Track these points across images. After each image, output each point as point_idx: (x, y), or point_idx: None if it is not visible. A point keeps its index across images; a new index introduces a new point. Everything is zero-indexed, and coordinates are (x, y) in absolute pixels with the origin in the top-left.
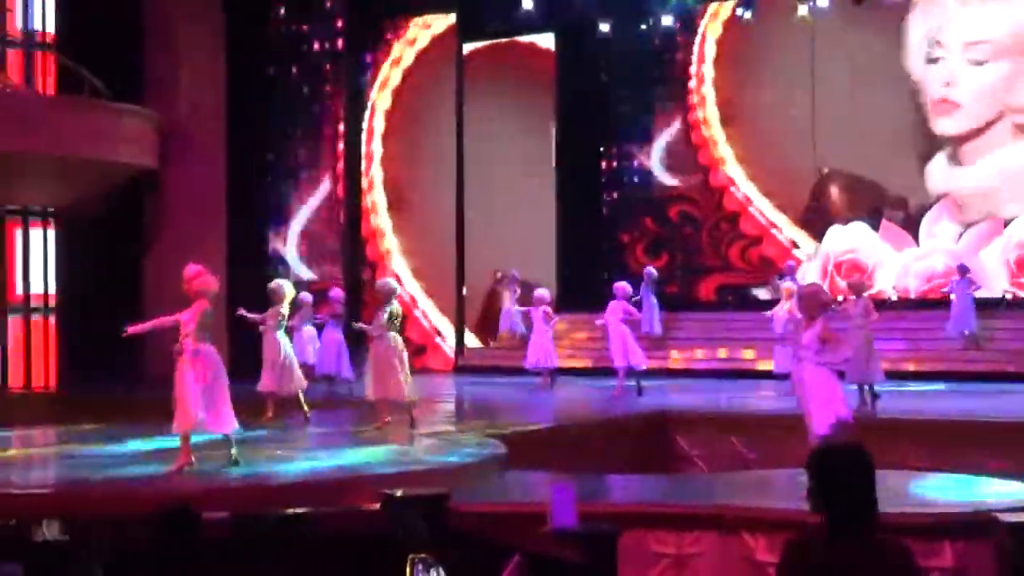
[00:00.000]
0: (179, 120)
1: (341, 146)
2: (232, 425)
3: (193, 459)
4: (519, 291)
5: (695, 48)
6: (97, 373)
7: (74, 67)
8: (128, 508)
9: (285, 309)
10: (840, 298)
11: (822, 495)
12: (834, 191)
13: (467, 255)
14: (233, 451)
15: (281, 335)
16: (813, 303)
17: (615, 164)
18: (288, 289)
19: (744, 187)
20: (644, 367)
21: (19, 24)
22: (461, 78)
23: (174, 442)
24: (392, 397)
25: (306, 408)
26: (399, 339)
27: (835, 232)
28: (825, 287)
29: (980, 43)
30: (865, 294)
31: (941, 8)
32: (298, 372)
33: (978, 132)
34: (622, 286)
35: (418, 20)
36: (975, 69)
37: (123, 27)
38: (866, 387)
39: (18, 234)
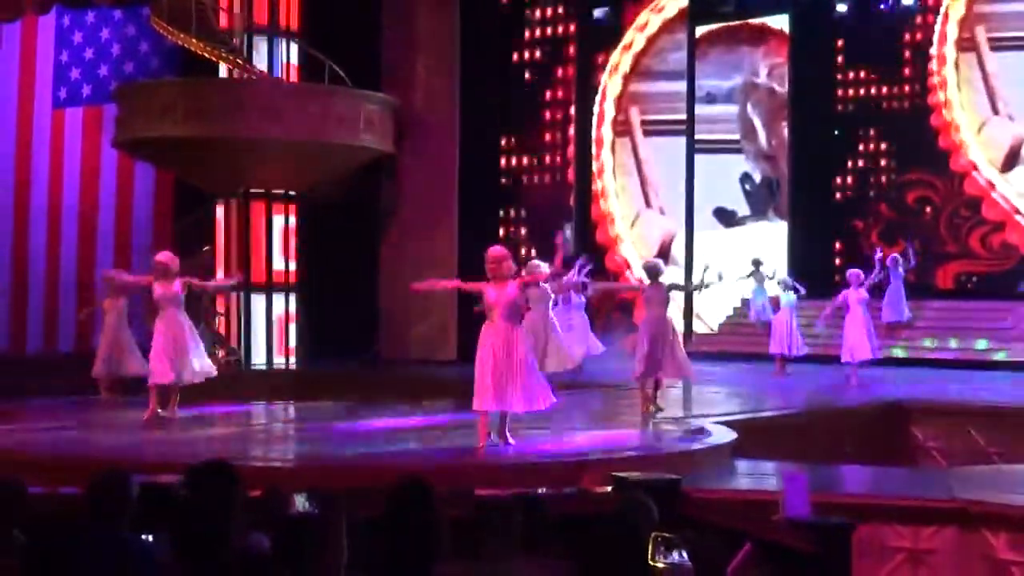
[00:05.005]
0: (414, 106)
1: (572, 130)
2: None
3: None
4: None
5: (936, 28)
6: (334, 351)
7: (316, 55)
8: (367, 482)
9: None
10: None
11: None
12: None
13: (696, 242)
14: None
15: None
16: None
17: (849, 148)
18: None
19: (986, 171)
20: (869, 359)
21: (265, 14)
22: (692, 61)
23: (408, 420)
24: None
25: None
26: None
27: None
28: None
29: None
30: None
31: None
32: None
33: None
34: (855, 272)
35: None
36: None
37: (362, 16)
38: None
39: (262, 216)
